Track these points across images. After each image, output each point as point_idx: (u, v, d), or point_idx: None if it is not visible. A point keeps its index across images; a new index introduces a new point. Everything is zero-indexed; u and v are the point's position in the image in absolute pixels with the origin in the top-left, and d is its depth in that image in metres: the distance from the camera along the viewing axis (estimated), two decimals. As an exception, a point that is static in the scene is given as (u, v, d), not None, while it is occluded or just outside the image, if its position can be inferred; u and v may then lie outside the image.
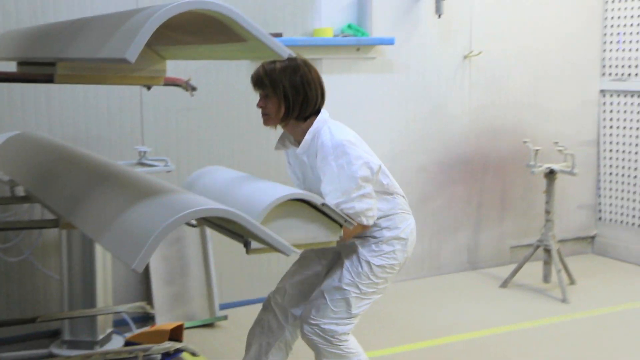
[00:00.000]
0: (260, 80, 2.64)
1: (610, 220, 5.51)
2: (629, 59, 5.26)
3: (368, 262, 2.74)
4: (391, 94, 4.80)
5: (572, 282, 4.81)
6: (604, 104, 5.46)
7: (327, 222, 2.40)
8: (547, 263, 4.81)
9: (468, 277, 5.05)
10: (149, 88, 3.40)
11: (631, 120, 5.28)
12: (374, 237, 2.76)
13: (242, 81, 4.34)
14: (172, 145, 4.19)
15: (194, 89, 3.30)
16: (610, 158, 5.46)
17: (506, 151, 5.20)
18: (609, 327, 4.12)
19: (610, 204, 5.50)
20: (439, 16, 4.77)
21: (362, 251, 2.75)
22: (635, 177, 5.29)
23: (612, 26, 5.36)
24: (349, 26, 4.54)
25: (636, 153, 5.26)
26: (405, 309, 4.42)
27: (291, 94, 2.63)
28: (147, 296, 4.13)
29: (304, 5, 4.44)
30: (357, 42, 4.52)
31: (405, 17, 4.76)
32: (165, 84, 2.69)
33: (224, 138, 4.33)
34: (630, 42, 5.24)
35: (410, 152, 4.89)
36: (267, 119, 2.68)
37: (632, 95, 5.26)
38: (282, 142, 2.82)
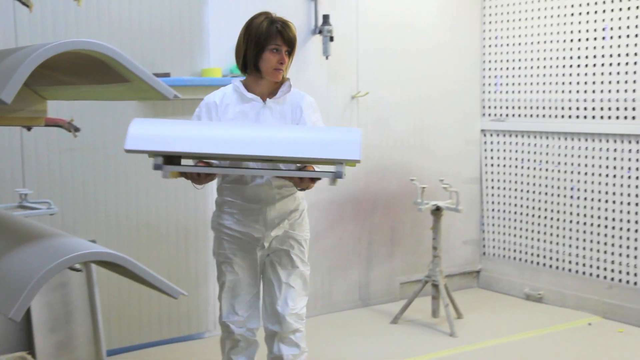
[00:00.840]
0: (293, 41, 3.02)
1: (494, 254, 5.72)
2: (507, 100, 5.52)
3: (305, 239, 3.13)
4: (281, 134, 4.84)
5: (459, 316, 4.94)
6: (485, 143, 5.71)
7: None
8: (435, 298, 4.93)
9: (360, 313, 5.11)
10: (29, 129, 3.29)
11: (510, 158, 5.53)
12: (297, 210, 3.10)
13: (129, 121, 4.27)
14: (55, 187, 4.05)
15: (76, 129, 3.22)
16: (492, 195, 5.69)
17: (394, 189, 5.33)
18: (497, 358, 4.24)
19: (494, 239, 5.71)
20: (327, 57, 4.87)
21: (295, 233, 3.09)
22: (515, 212, 5.52)
23: (490, 69, 5.63)
24: (238, 67, 4.56)
25: (516, 190, 5.50)
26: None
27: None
28: (29, 345, 3.94)
29: (192, 45, 4.44)
30: (246, 82, 4.54)
31: (294, 57, 4.82)
32: (47, 125, 2.61)
33: (110, 179, 4.23)
34: (507, 84, 5.51)
35: (301, 191, 4.93)
36: (280, 73, 3.00)
37: (510, 135, 5.52)
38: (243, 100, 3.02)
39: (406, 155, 5.39)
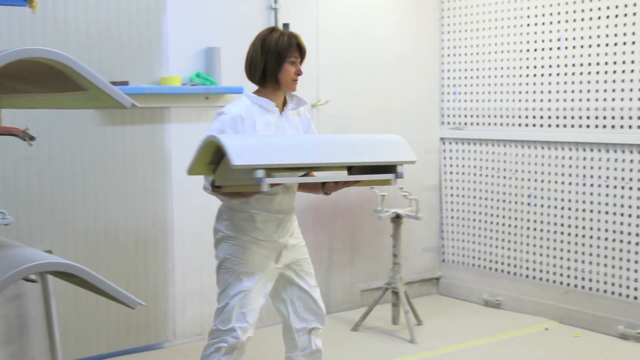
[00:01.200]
0: (306, 53, 3.19)
1: (453, 261, 5.77)
2: (465, 109, 5.59)
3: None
4: (241, 142, 4.83)
5: (419, 322, 4.97)
6: (444, 151, 5.77)
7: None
8: (396, 305, 4.96)
9: (321, 322, 5.11)
10: (-16, 137, 3.23)
11: (469, 166, 5.60)
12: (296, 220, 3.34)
13: (86, 129, 4.23)
14: (10, 197, 3.98)
15: (32, 138, 3.17)
16: (452, 202, 5.74)
17: (355, 197, 5.36)
18: (454, 365, 4.29)
19: (453, 246, 5.77)
20: (287, 66, 4.88)
21: (302, 240, 3.34)
22: (474, 220, 5.59)
23: (448, 78, 5.70)
24: (198, 75, 4.55)
25: (475, 197, 5.57)
26: (259, 356, 4.39)
27: None
28: (-17, 358, 3.86)
29: (151, 53, 4.42)
30: (205, 90, 4.53)
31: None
32: (1, 134, 2.57)
33: (67, 188, 4.18)
34: (466, 93, 5.58)
35: (261, 200, 4.93)
36: (297, 83, 3.16)
37: (469, 143, 5.59)
38: (266, 109, 3.13)
39: (366, 163, 5.41)
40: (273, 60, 3.10)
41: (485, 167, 5.48)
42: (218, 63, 4.61)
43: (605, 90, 4.70)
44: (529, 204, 5.20)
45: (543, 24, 5.03)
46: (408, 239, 5.52)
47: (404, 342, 4.66)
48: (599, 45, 4.73)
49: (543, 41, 5.04)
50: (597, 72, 4.74)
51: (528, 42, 5.13)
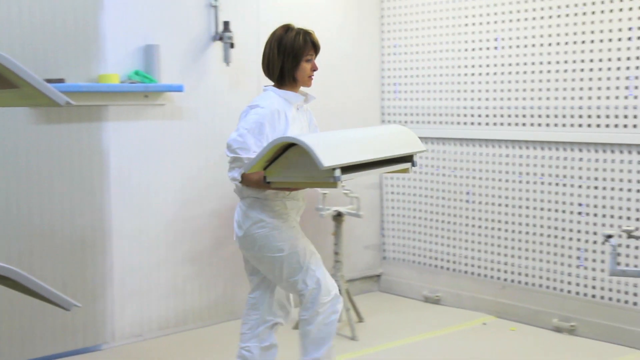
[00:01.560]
0: (319, 47, 3.35)
1: (394, 258, 5.83)
2: (405, 107, 5.66)
3: None
4: (182, 141, 4.79)
5: (360, 319, 5.01)
6: (385, 149, 5.81)
7: None
8: (337, 302, 4.98)
9: (262, 320, 5.10)
10: None
11: (409, 164, 5.65)
12: None
13: (20, 128, 4.13)
14: (-59, 197, 3.87)
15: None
16: (392, 200, 5.80)
17: (296, 195, 5.35)
18: (395, 361, 4.33)
19: (393, 244, 5.83)
20: (228, 64, 4.86)
21: None
22: (414, 217, 5.65)
23: (389, 77, 5.75)
24: (136, 72, 4.49)
25: (414, 195, 5.64)
26: (199, 356, 4.36)
27: None
28: None
29: (88, 50, 4.34)
30: (144, 88, 4.47)
31: (193, 64, 4.80)
32: None
33: (0, 188, 4.07)
34: (406, 92, 5.64)
35: (202, 198, 4.89)
36: (312, 79, 3.38)
37: (409, 141, 5.64)
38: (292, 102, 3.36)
39: (308, 161, 5.42)
40: (290, 60, 3.29)
41: (425, 164, 5.55)
42: (157, 60, 4.56)
43: (540, 90, 4.82)
44: (467, 201, 5.29)
45: (480, 24, 5.12)
46: (349, 236, 5.55)
47: (345, 339, 4.69)
48: (534, 45, 4.84)
49: (480, 41, 5.13)
50: (532, 72, 4.85)
51: (466, 41, 5.22)
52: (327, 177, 2.87)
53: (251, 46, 5.05)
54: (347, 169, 2.94)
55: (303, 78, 3.34)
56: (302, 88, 3.42)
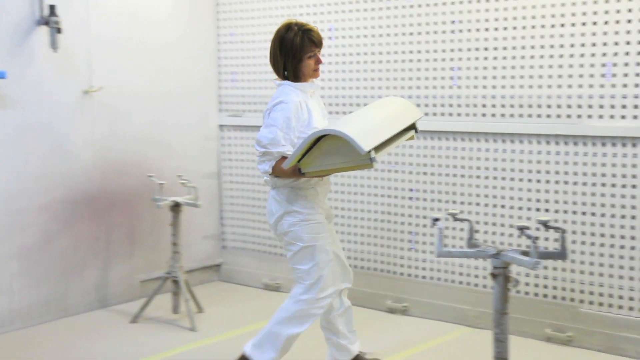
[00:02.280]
0: (322, 42, 3.51)
1: (234, 247, 5.83)
2: (243, 96, 5.65)
3: None
4: (5, 131, 4.53)
5: (200, 310, 4.97)
6: (223, 138, 5.79)
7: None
8: (176, 294, 4.91)
9: (98, 315, 4.94)
10: None
11: (248, 153, 5.67)
12: None
13: None
14: None
15: None
16: (231, 189, 5.79)
17: (133, 186, 5.22)
18: (235, 349, 4.31)
19: (233, 233, 5.82)
20: (55, 50, 4.64)
21: None
22: (253, 206, 5.68)
23: (226, 65, 5.73)
24: (-47, 57, 4.19)
25: (253, 183, 5.66)
26: (27, 357, 4.17)
27: None
28: None
29: None
30: (-38, 75, 4.18)
31: (17, 50, 4.55)
32: None
33: None
34: (243, 81, 5.64)
35: (29, 192, 4.65)
36: (319, 71, 3.53)
37: (247, 130, 5.66)
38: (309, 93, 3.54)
39: (144, 151, 5.30)
40: (291, 60, 3.46)
41: (263, 153, 5.57)
42: (-24, 45, 4.27)
43: (372, 80, 4.97)
44: (305, 189, 5.37)
45: (314, 14, 5.21)
46: (188, 227, 5.49)
47: (184, 330, 4.64)
48: (365, 36, 4.98)
49: (315, 31, 5.21)
50: (365, 62, 5.00)
51: (301, 31, 5.28)
52: (364, 160, 3.10)
53: (81, 31, 4.86)
54: (376, 148, 3.15)
55: (308, 72, 3.50)
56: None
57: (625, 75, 4.05)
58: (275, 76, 3.60)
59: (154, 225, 5.38)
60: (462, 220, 3.20)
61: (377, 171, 5.00)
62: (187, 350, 4.32)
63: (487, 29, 4.48)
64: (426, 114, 4.75)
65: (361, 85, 5.03)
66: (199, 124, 5.66)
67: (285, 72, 3.52)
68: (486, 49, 4.50)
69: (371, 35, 4.95)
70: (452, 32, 4.62)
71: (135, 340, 4.49)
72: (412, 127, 3.52)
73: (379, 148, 3.18)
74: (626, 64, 4.04)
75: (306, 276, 3.51)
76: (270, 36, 5.39)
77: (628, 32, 4.02)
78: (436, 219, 3.10)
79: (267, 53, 5.49)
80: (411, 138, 3.55)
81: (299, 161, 3.27)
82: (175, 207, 4.84)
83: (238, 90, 5.69)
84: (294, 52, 3.45)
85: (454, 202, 4.71)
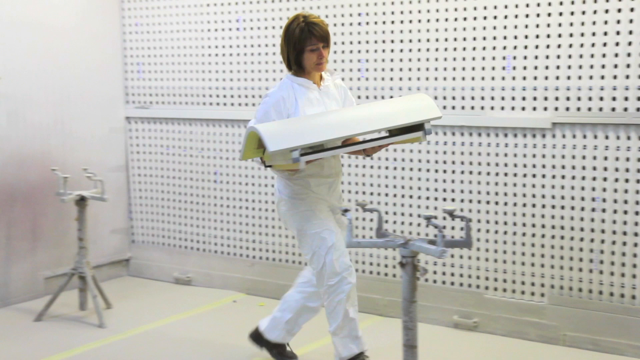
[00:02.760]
0: (327, 37, 3.45)
1: (143, 242, 5.73)
2: (150, 87, 5.55)
3: None
4: None
5: (108, 306, 4.87)
6: (130, 130, 5.67)
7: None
8: (83, 290, 4.80)
9: (-1, 315, 4.78)
10: None
11: (156, 145, 5.57)
12: None
13: None
14: None
15: None
16: (140, 182, 5.68)
17: (35, 180, 5.05)
18: (145, 345, 4.27)
19: (142, 227, 5.72)
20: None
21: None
22: (163, 199, 5.59)
23: (131, 56, 5.60)
24: None
25: (162, 176, 5.57)
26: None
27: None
28: None
29: None
30: None
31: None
32: None
33: None
34: (150, 72, 5.53)
35: None
36: (322, 66, 3.47)
37: (155, 122, 5.56)
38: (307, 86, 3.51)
39: (47, 144, 5.14)
40: (292, 51, 3.46)
41: (173, 145, 5.50)
42: None
43: (282, 71, 4.97)
44: (215, 182, 5.33)
45: (222, 4, 5.16)
46: (95, 221, 5.36)
47: (92, 327, 4.53)
48: (274, 27, 4.97)
49: (222, 21, 5.17)
50: (274, 54, 4.99)
51: (209, 22, 5.23)
52: (289, 160, 3.10)
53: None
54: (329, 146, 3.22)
55: (310, 66, 3.47)
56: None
57: (524, 68, 4.19)
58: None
59: (59, 220, 5.22)
60: (371, 210, 3.24)
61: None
62: (95, 347, 4.22)
63: (393, 22, 4.55)
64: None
65: (270, 77, 5.02)
66: (104, 115, 5.53)
67: (289, 64, 3.53)
68: (392, 41, 4.57)
69: (279, 27, 4.95)
70: (359, 24, 4.67)
71: (40, 338, 4.35)
72: (418, 128, 3.33)
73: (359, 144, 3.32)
74: (525, 57, 4.18)
75: (311, 263, 3.57)
76: (178, 27, 5.40)
77: (526, 26, 4.16)
78: (345, 210, 3.13)
79: (174, 44, 5.46)
80: (417, 139, 3.40)
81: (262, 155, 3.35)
82: (81, 201, 4.72)
83: (145, 81, 5.58)
84: (294, 43, 3.45)
85: (364, 192, 4.77)
